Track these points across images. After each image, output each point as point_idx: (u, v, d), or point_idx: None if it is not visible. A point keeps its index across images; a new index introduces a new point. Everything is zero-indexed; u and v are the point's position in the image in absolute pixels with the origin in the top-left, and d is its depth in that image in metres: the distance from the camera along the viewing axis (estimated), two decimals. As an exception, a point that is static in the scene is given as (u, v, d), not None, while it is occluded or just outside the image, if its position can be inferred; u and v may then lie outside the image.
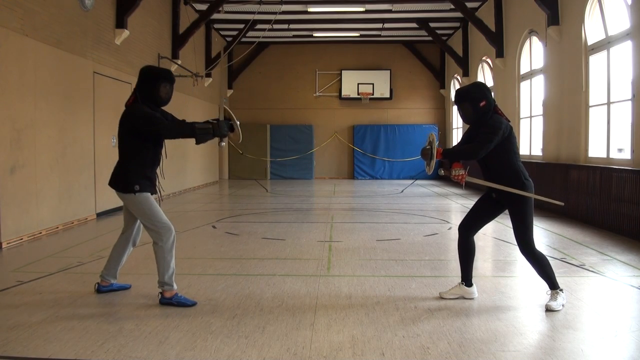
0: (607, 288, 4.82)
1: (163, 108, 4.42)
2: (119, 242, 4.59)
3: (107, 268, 4.56)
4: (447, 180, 18.12)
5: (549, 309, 4.07)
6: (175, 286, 4.26)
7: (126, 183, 4.23)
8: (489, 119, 4.12)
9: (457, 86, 17.94)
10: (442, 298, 4.38)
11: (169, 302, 4.19)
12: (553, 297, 4.14)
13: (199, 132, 4.07)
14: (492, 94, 4.19)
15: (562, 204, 4.72)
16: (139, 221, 4.51)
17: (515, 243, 4.21)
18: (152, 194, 4.33)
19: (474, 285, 4.42)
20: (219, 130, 4.09)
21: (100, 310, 4.13)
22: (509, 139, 4.13)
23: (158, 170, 4.45)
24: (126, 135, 4.25)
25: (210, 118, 4.39)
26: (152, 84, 4.20)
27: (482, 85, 4.23)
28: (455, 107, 18.43)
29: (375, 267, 5.54)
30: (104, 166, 9.41)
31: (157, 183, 4.42)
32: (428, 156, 4.24)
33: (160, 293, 4.24)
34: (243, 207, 11.08)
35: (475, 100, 4.11)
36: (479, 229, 4.42)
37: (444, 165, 4.37)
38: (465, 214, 4.49)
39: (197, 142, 4.20)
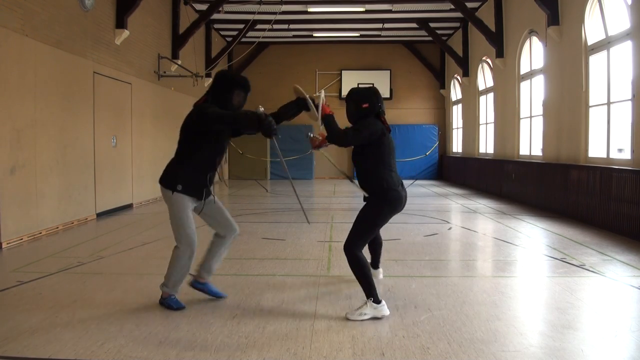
0: (607, 288, 4.82)
1: None
2: (213, 240, 4.43)
3: (203, 263, 4.37)
4: (447, 180, 18.12)
5: (348, 317, 3.90)
6: (174, 291, 4.16)
7: (171, 179, 4.06)
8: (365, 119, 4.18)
9: (457, 86, 17.96)
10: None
11: (163, 303, 4.16)
12: (362, 307, 3.92)
13: (241, 119, 3.79)
14: (382, 103, 4.25)
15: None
16: (225, 213, 4.38)
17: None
18: (199, 199, 4.14)
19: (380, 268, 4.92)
20: (268, 126, 3.72)
21: (100, 310, 4.13)
22: (378, 146, 4.12)
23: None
24: (185, 132, 4.15)
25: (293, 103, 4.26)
26: (227, 90, 4.06)
27: (372, 90, 4.31)
28: (455, 107, 18.47)
29: (375, 267, 5.54)
30: (104, 166, 9.41)
31: (208, 188, 4.19)
32: (311, 105, 4.18)
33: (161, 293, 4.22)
34: (243, 207, 11.08)
35: (359, 101, 4.23)
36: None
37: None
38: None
39: (236, 129, 4.01)
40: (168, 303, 4.14)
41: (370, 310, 3.90)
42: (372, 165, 4.13)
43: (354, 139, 4.10)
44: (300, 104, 4.23)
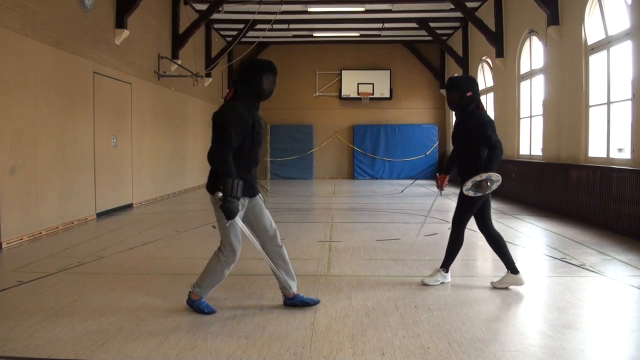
0: (607, 288, 4.82)
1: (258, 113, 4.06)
2: (269, 254, 4.18)
3: (279, 281, 4.20)
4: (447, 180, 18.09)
5: (424, 283, 4.79)
6: (205, 294, 4.06)
7: (214, 184, 3.93)
8: (475, 114, 4.57)
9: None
10: (494, 288, 4.71)
11: (192, 305, 4.06)
12: (434, 273, 4.83)
13: (223, 179, 3.69)
14: (479, 90, 4.68)
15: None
16: (268, 220, 4.17)
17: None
18: (250, 197, 4.01)
19: (520, 272, 4.71)
20: (230, 206, 3.63)
21: (100, 310, 4.13)
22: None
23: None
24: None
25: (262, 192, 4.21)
26: (255, 76, 3.88)
27: (471, 79, 4.69)
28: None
29: (375, 267, 5.54)
30: (104, 166, 9.41)
31: (255, 184, 4.05)
32: (484, 188, 4.51)
33: (190, 292, 4.12)
34: (243, 207, 11.06)
35: (463, 90, 4.53)
36: (487, 218, 4.77)
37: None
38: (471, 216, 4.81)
39: (221, 203, 3.71)
40: (198, 306, 4.02)
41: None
42: (479, 150, 4.58)
43: (496, 135, 4.50)
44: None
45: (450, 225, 4.87)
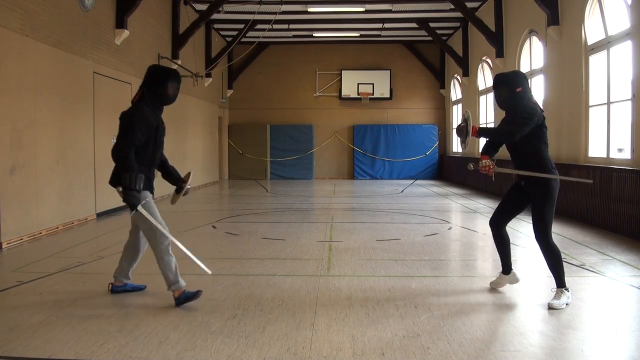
0: (607, 288, 4.83)
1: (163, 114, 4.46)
2: (129, 243, 4.57)
3: (119, 269, 4.55)
4: (447, 180, 18.12)
5: (551, 307, 4.09)
6: (182, 283, 4.22)
7: (118, 179, 4.22)
8: (523, 105, 4.25)
9: (457, 86, 17.95)
10: (493, 289, 4.62)
11: (181, 301, 4.17)
12: (557, 295, 4.16)
13: (124, 176, 4.03)
14: (530, 84, 4.35)
15: (591, 181, 4.94)
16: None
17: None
18: (151, 192, 4.33)
19: (513, 269, 4.62)
20: (130, 196, 4.01)
21: (100, 310, 4.13)
22: (541, 128, 4.26)
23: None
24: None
25: (182, 180, 4.60)
26: (161, 83, 4.25)
27: (520, 74, 4.42)
28: (454, 107, 18.47)
29: (375, 267, 5.54)
30: (104, 166, 9.40)
31: (152, 183, 4.41)
32: (463, 133, 4.36)
33: (174, 296, 4.22)
34: (243, 207, 11.08)
35: (512, 86, 4.26)
36: (509, 221, 4.60)
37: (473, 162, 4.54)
38: (496, 207, 4.67)
39: (120, 180, 4.10)
40: (185, 297, 4.18)
41: (566, 298, 4.14)
42: (538, 148, 4.24)
43: (524, 131, 4.14)
44: (179, 187, 4.59)
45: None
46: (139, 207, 4.08)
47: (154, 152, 4.31)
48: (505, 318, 3.93)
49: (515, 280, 4.65)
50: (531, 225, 4.36)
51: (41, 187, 7.43)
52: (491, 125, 14.30)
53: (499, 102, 4.40)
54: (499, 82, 4.34)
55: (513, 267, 4.67)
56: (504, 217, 4.56)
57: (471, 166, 4.50)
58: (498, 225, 4.57)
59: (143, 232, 4.32)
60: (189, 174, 4.69)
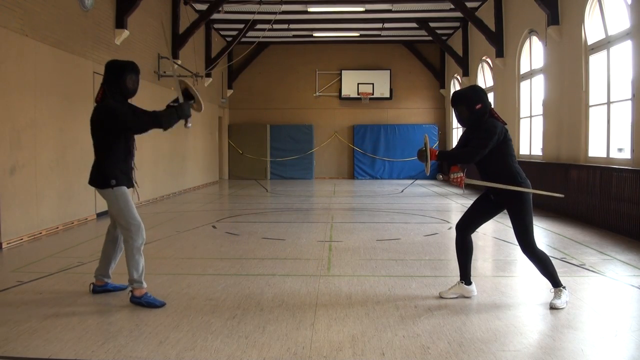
0: (607, 288, 4.82)
1: (130, 101, 4.52)
2: (107, 241, 4.59)
3: (99, 267, 4.57)
4: (447, 180, 18.11)
5: (553, 307, 4.08)
6: (144, 284, 4.26)
7: (103, 178, 4.25)
8: (484, 122, 4.16)
9: (457, 86, 17.93)
10: (441, 297, 4.40)
11: (139, 301, 4.19)
12: (557, 295, 4.15)
13: (164, 120, 4.30)
14: (489, 97, 4.22)
15: (562, 195, 4.84)
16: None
17: (515, 243, 4.21)
18: (128, 187, 4.36)
19: (473, 283, 4.44)
20: (182, 112, 4.30)
21: (100, 310, 4.13)
22: (505, 142, 4.17)
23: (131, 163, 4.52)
24: (98, 132, 4.29)
25: (171, 101, 4.52)
26: (119, 77, 4.27)
27: (478, 89, 4.28)
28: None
29: (375, 267, 5.54)
30: (104, 166, 9.40)
31: (132, 175, 4.46)
32: (424, 157, 4.33)
33: (131, 291, 4.25)
34: (243, 207, 11.08)
35: (471, 103, 4.16)
36: (476, 228, 4.48)
37: (442, 171, 4.44)
38: (463, 213, 4.53)
39: (165, 129, 4.38)
40: (147, 301, 4.18)
41: (565, 296, 4.13)
42: (503, 162, 4.18)
43: (484, 152, 4.11)
44: (187, 95, 4.53)
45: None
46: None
47: (126, 143, 4.37)
48: (505, 318, 3.93)
49: (470, 292, 4.39)
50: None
51: (41, 187, 7.43)
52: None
53: (460, 120, 4.30)
54: (457, 100, 4.21)
55: (472, 278, 4.44)
56: (470, 223, 4.42)
57: (440, 177, 4.47)
58: (463, 230, 4.40)
59: (119, 226, 4.35)
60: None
